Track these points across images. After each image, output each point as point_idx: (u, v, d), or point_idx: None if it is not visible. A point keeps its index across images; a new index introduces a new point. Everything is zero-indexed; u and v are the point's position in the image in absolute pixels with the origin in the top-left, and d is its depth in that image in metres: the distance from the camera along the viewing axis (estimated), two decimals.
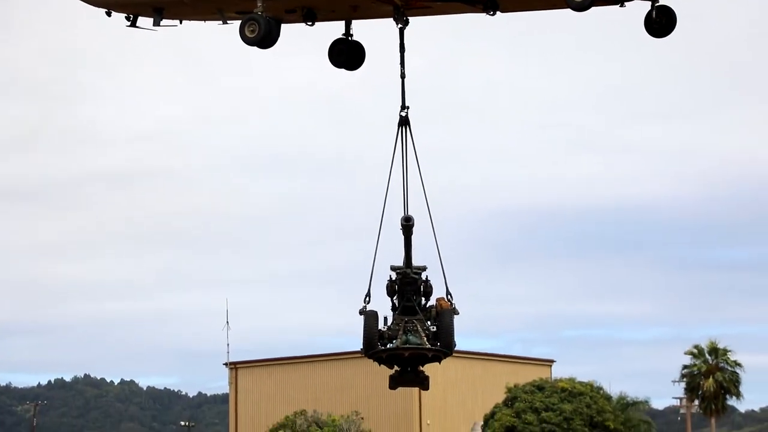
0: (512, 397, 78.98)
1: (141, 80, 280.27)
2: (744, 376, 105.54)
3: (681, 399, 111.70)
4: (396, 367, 25.70)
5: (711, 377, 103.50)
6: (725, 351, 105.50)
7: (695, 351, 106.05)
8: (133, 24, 29.11)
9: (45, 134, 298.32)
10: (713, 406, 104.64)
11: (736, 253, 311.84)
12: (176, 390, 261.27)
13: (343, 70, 29.11)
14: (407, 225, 25.29)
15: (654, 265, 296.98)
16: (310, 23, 28.14)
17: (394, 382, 25.88)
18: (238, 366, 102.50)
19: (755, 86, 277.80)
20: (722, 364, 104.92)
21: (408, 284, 25.27)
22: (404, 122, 26.21)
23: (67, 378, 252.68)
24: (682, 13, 26.57)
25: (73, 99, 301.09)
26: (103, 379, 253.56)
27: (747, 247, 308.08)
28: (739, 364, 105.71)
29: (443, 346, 25.11)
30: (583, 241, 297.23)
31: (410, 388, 26.84)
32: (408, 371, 25.69)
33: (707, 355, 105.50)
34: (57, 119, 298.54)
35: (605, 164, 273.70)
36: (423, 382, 25.82)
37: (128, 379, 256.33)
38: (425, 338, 24.99)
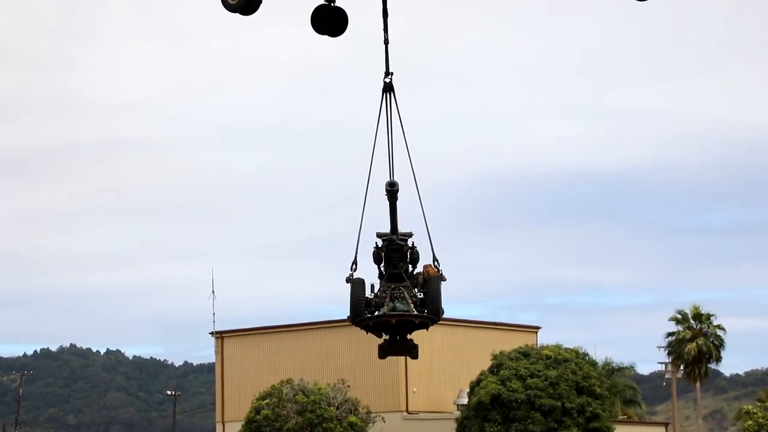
0: (498, 364, 79.10)
1: (121, 50, 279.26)
2: (729, 341, 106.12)
3: (666, 364, 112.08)
4: (385, 336, 25.65)
5: (694, 342, 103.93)
6: (708, 316, 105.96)
7: (679, 316, 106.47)
8: None
9: (25, 104, 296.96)
10: (697, 371, 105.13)
11: (719, 217, 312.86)
12: (162, 359, 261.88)
13: (326, 36, 28.91)
14: (392, 190, 25.14)
15: (638, 230, 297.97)
16: None
17: (384, 352, 25.82)
18: (224, 335, 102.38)
19: (738, 50, 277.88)
20: (706, 330, 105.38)
21: (394, 251, 25.17)
22: (388, 89, 26.03)
23: (53, 348, 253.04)
24: None
25: (53, 69, 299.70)
26: (89, 349, 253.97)
27: (730, 212, 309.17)
28: (722, 329, 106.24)
29: (430, 312, 25.04)
30: (566, 207, 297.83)
31: (396, 357, 26.69)
32: (397, 340, 25.64)
33: (691, 321, 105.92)
34: (37, 89, 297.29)
35: (588, 129, 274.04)
36: (412, 351, 25.75)
37: (114, 349, 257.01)
38: (412, 305, 24.92)
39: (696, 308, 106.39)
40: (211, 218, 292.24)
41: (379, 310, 24.98)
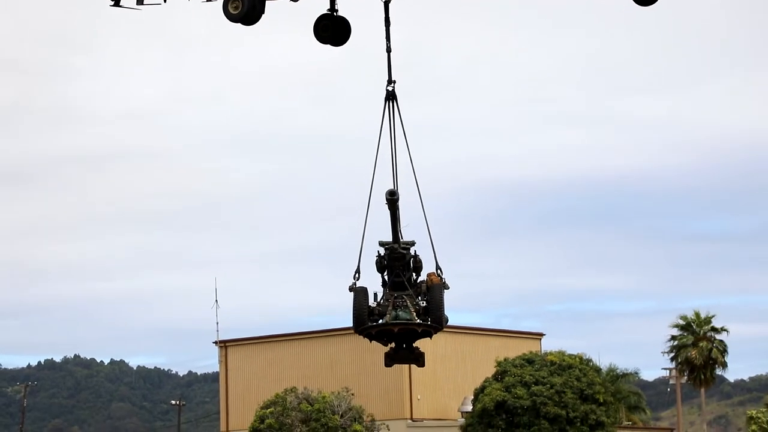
0: (502, 371, 79.03)
1: (122, 59, 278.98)
2: (733, 346, 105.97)
3: (670, 370, 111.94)
4: (391, 344, 25.66)
5: (698, 348, 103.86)
6: (709, 319, 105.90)
7: (682, 322, 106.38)
8: (117, 3, 28.91)
9: (24, 114, 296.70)
10: (702, 377, 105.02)
11: (722, 224, 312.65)
12: (166, 369, 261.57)
13: (328, 45, 28.95)
14: (392, 199, 25.13)
15: (640, 237, 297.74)
16: None
17: (390, 360, 25.84)
18: (227, 344, 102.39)
19: (739, 58, 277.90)
20: (709, 335, 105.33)
21: (396, 259, 25.16)
22: (391, 96, 26.07)
23: (57, 359, 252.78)
24: None
25: (54, 78, 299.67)
26: (93, 359, 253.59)
27: (733, 219, 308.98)
28: (725, 330, 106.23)
29: (433, 321, 25.04)
30: (568, 215, 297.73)
31: (401, 364, 26.73)
32: (403, 348, 25.65)
33: (694, 326, 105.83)
34: (35, 99, 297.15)
35: (589, 137, 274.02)
36: (418, 359, 25.78)
37: (118, 359, 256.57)
38: (415, 313, 24.92)
39: (698, 314, 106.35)
40: (213, 227, 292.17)
41: (381, 319, 24.99)
